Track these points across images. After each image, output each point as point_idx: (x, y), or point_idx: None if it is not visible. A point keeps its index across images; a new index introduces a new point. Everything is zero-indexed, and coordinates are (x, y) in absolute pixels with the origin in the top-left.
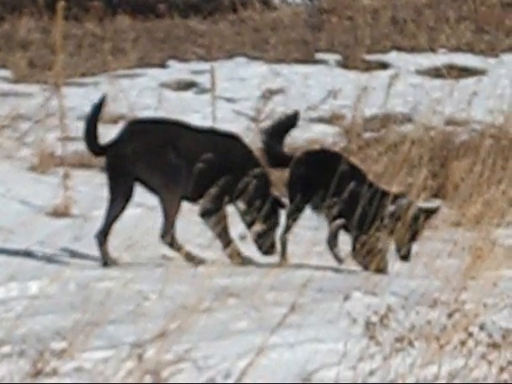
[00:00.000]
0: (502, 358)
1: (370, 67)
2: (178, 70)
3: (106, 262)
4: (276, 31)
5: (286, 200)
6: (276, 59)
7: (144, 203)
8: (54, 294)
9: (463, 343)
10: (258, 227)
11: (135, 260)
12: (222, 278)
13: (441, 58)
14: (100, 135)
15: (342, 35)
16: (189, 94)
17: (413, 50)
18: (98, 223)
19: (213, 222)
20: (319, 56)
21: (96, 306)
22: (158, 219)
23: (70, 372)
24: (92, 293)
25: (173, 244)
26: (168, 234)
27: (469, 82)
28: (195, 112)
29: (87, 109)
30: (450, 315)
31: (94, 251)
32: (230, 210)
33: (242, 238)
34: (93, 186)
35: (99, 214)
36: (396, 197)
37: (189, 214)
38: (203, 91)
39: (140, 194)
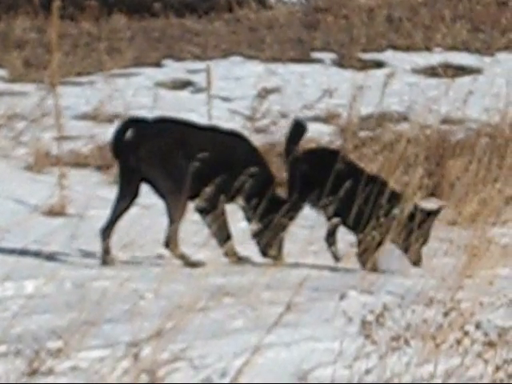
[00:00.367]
0: (498, 357)
1: (365, 66)
2: (173, 69)
3: (105, 260)
4: (272, 30)
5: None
6: (272, 58)
7: (140, 202)
8: (50, 293)
9: (459, 342)
10: (257, 226)
11: (131, 259)
12: (217, 277)
13: (436, 57)
14: (96, 134)
15: (337, 34)
16: (184, 93)
17: (408, 48)
18: (93, 222)
19: (210, 220)
20: (315, 55)
21: (92, 305)
22: (154, 218)
23: (66, 371)
24: (88, 292)
25: (176, 253)
26: (173, 243)
27: (464, 80)
28: (191, 111)
29: (83, 108)
30: (445, 314)
31: (90, 250)
32: (232, 207)
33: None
34: (88, 186)
35: (95, 213)
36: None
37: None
38: (199, 90)
39: None
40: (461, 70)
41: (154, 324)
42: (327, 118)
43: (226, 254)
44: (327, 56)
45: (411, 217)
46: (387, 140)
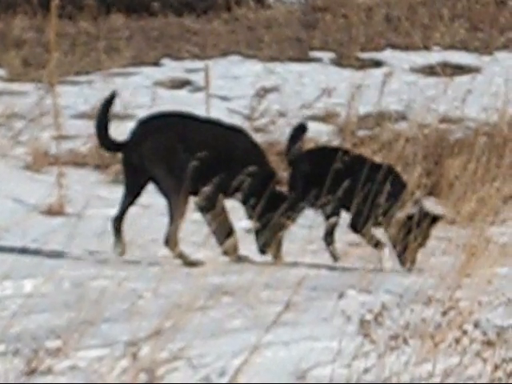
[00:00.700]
0: (497, 356)
1: (364, 65)
2: (172, 69)
3: (118, 251)
4: (270, 29)
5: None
6: (270, 57)
7: (139, 202)
8: (49, 292)
9: (458, 341)
10: (257, 223)
11: (130, 258)
12: (216, 277)
13: (435, 56)
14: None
15: (336, 33)
16: (183, 93)
17: (407, 47)
18: (92, 222)
19: (210, 218)
20: (313, 54)
21: (90, 304)
22: (152, 217)
23: (64, 370)
24: (86, 291)
25: (175, 252)
26: (172, 242)
27: (463, 79)
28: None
29: (81, 107)
30: (444, 313)
31: (89, 250)
32: (232, 205)
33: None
34: (87, 185)
35: (94, 212)
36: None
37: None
38: (197, 89)
39: None
40: (459, 69)
41: (152, 323)
42: (326, 118)
43: (225, 253)
44: (326, 55)
45: (415, 219)
46: (386, 139)
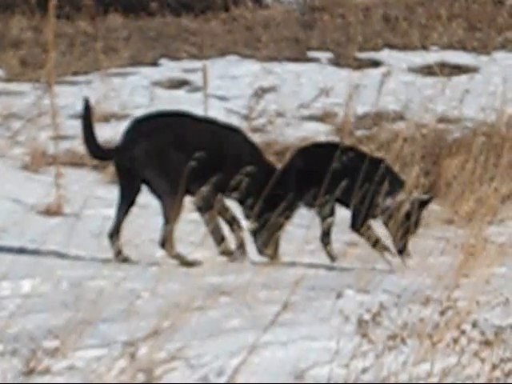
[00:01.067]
0: (495, 356)
1: (361, 65)
2: (170, 69)
3: (118, 261)
4: (268, 29)
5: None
6: (268, 57)
7: (136, 202)
8: (47, 292)
9: (456, 341)
10: (255, 223)
11: (128, 258)
12: (214, 277)
13: (433, 56)
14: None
15: (333, 33)
16: (181, 93)
17: (405, 47)
18: (90, 222)
19: (207, 218)
20: (311, 54)
21: (88, 304)
22: (150, 218)
23: (62, 371)
24: (84, 291)
25: (172, 253)
26: (168, 243)
27: (461, 79)
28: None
29: (79, 107)
30: (442, 313)
31: (87, 250)
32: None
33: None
34: (85, 185)
35: (92, 212)
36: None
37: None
38: (195, 89)
39: None
40: (457, 69)
41: (150, 323)
42: (323, 117)
43: (223, 253)
44: (323, 55)
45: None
46: (383, 139)
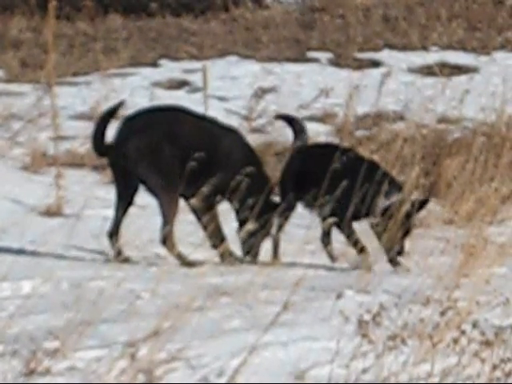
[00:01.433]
0: (495, 356)
1: (361, 65)
2: (169, 69)
3: (119, 261)
4: (268, 30)
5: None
6: (268, 58)
7: (135, 202)
8: (47, 293)
9: (456, 341)
10: (249, 227)
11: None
12: (214, 277)
13: (433, 56)
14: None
15: (333, 33)
16: (181, 93)
17: (405, 47)
18: (90, 222)
19: (205, 220)
20: (311, 54)
21: (88, 305)
22: (149, 218)
23: (62, 371)
24: (84, 292)
25: (174, 251)
26: (169, 240)
27: (461, 79)
28: None
29: (79, 108)
30: (442, 313)
31: (87, 250)
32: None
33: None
34: (85, 186)
35: (92, 213)
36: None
37: (180, 213)
38: (195, 90)
39: None
40: (457, 69)
41: (150, 324)
42: (323, 118)
43: (222, 255)
44: (323, 55)
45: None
46: (384, 139)
